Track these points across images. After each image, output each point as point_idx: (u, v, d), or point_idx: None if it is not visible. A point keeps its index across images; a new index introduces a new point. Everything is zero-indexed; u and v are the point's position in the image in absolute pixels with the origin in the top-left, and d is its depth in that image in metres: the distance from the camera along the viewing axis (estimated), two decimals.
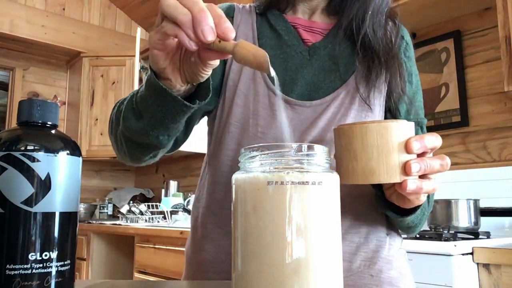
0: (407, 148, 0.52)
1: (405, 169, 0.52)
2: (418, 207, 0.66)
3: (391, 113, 0.81)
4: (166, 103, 0.57)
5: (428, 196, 0.75)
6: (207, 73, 0.56)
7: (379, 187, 0.67)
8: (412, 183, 0.53)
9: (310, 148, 0.43)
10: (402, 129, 0.53)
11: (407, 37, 0.85)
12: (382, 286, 0.72)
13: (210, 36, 0.46)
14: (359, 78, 0.77)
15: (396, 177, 0.52)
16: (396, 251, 0.77)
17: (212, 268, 0.76)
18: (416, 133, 0.80)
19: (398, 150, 0.52)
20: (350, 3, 0.80)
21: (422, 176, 0.55)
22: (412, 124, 0.55)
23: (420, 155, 0.54)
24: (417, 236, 1.65)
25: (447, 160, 0.56)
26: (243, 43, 0.48)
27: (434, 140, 0.55)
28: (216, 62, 0.55)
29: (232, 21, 0.83)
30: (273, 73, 0.47)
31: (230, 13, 0.84)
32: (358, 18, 0.79)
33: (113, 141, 0.74)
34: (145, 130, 0.62)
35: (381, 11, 0.79)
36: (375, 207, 0.74)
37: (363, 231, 0.74)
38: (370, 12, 0.78)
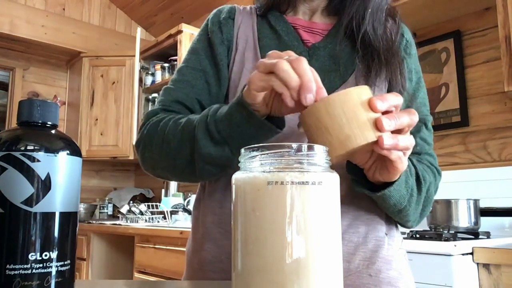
0: (371, 107, 0.53)
1: (377, 125, 0.53)
2: (399, 182, 0.66)
3: None
4: (258, 130, 0.62)
5: (419, 182, 0.73)
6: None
7: (356, 173, 0.67)
8: (388, 138, 0.54)
9: (310, 148, 0.43)
10: (362, 92, 0.55)
11: (408, 35, 0.85)
12: (381, 286, 0.72)
13: (310, 102, 0.54)
14: (359, 76, 0.77)
15: (371, 135, 0.53)
16: (395, 251, 0.77)
17: (211, 268, 0.76)
18: (420, 131, 0.81)
19: (364, 110, 0.53)
20: (350, 1, 0.80)
21: (396, 133, 0.56)
22: (367, 87, 0.56)
23: (386, 114, 0.55)
24: (417, 236, 1.66)
25: (416, 114, 0.57)
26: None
27: (394, 97, 0.56)
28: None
29: (233, 23, 0.83)
30: None
31: (231, 15, 0.85)
32: (359, 16, 0.79)
33: (166, 164, 0.73)
34: (231, 155, 0.66)
35: (381, 8, 0.80)
36: (374, 207, 0.74)
37: (362, 231, 0.74)
38: (370, 10, 0.78)
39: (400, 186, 0.67)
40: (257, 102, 0.60)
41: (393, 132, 0.55)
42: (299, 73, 0.54)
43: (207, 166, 0.69)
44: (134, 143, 0.81)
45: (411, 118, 0.56)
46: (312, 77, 0.54)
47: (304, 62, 0.54)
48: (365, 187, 0.68)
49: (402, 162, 0.60)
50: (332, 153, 0.53)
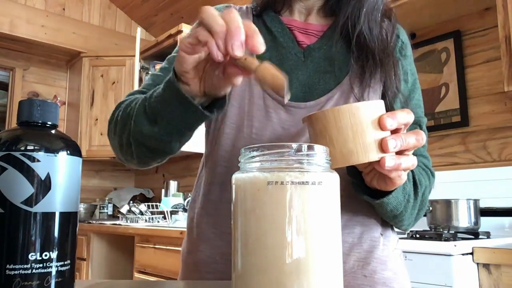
0: (380, 125, 0.52)
1: (382, 146, 0.52)
2: (397, 189, 0.66)
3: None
4: (186, 111, 0.59)
5: (415, 187, 0.73)
6: (227, 89, 0.59)
7: (355, 175, 0.67)
8: (390, 160, 0.53)
9: (310, 148, 0.43)
10: (374, 107, 0.53)
11: (404, 36, 0.85)
12: (376, 287, 0.72)
13: (238, 52, 0.49)
14: (354, 78, 0.77)
15: (374, 155, 0.53)
16: (390, 251, 0.77)
17: (206, 268, 0.76)
18: None
19: (372, 128, 0.53)
20: (346, 1, 0.80)
21: (399, 153, 0.55)
22: (382, 102, 0.55)
23: (394, 132, 0.55)
24: (417, 236, 1.65)
25: (423, 135, 0.56)
26: (266, 65, 0.50)
27: (405, 115, 0.55)
28: (238, 81, 0.56)
29: None
30: (287, 100, 0.50)
31: None
32: (354, 16, 0.78)
33: (116, 142, 0.74)
34: (159, 136, 0.63)
35: (377, 8, 0.79)
36: (370, 207, 0.74)
37: (357, 231, 0.74)
38: (365, 9, 0.78)
39: (398, 193, 0.67)
40: (185, 68, 0.55)
41: (397, 152, 0.55)
42: (225, 19, 0.49)
43: (141, 147, 0.67)
44: None
45: (418, 139, 0.56)
46: (240, 24, 0.49)
47: (233, 11, 0.51)
48: (364, 191, 0.68)
49: (401, 179, 0.60)
50: (332, 163, 0.53)
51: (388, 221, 0.76)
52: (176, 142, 0.65)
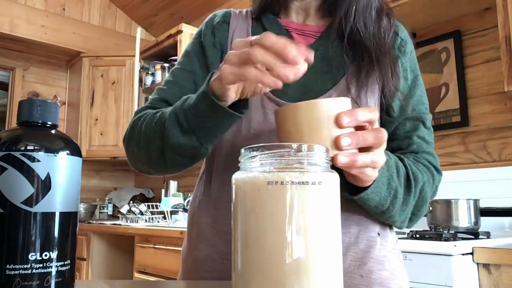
0: (337, 123, 0.52)
1: (336, 143, 0.52)
2: (378, 185, 0.65)
3: (386, 110, 0.80)
4: (223, 118, 0.62)
5: (409, 182, 0.71)
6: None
7: (338, 172, 0.66)
8: (342, 157, 0.53)
9: (310, 148, 0.43)
10: (335, 105, 0.53)
11: (403, 33, 0.85)
12: (372, 287, 0.72)
13: (293, 77, 0.53)
14: (350, 77, 0.77)
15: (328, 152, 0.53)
16: (388, 251, 0.76)
17: (204, 267, 0.76)
18: (417, 129, 0.79)
19: (329, 125, 0.53)
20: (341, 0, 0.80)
21: (365, 150, 0.55)
22: (347, 100, 0.55)
23: (359, 129, 0.55)
24: (417, 236, 1.65)
25: (383, 133, 0.56)
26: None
27: (366, 113, 0.55)
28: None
29: (228, 27, 0.84)
30: None
31: (226, 20, 0.86)
32: (349, 14, 0.78)
33: (143, 156, 0.75)
34: (197, 144, 0.66)
35: (370, 5, 0.79)
36: None
37: (354, 231, 0.74)
38: (360, 7, 0.78)
39: (380, 189, 0.66)
40: (229, 95, 0.59)
41: (362, 149, 0.55)
42: (276, 50, 0.51)
43: (177, 157, 0.70)
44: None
45: (377, 137, 0.55)
46: (291, 47, 0.51)
47: (271, 35, 0.52)
48: (347, 188, 0.67)
49: (366, 175, 0.60)
50: None
51: (378, 218, 0.75)
52: (211, 145, 0.69)
